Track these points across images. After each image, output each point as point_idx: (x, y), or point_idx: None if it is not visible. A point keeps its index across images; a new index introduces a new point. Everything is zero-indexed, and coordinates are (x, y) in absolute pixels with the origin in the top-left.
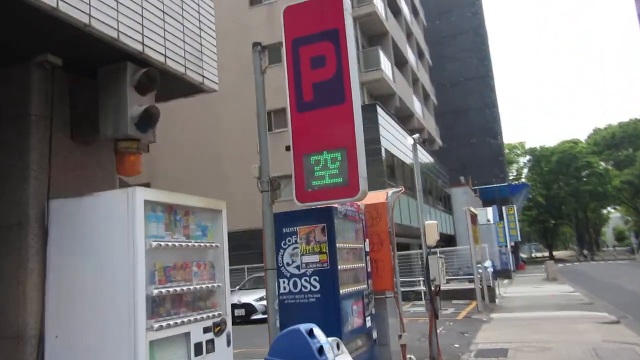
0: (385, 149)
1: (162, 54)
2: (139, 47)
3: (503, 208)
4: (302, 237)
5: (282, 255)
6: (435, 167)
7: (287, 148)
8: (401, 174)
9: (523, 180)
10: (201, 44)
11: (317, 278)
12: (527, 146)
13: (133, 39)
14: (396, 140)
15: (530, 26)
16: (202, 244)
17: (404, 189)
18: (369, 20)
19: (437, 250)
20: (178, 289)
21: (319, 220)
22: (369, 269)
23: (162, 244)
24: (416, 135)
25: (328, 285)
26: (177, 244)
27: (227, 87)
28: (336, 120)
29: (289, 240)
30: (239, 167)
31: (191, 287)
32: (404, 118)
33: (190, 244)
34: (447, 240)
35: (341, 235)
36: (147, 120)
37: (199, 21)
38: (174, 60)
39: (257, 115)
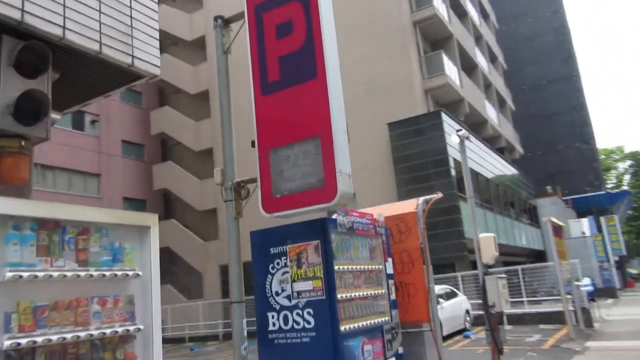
0: (454, 159)
1: (59, 25)
2: (16, 15)
3: (602, 219)
4: (292, 258)
5: (271, 282)
6: (516, 177)
7: (253, 144)
8: (475, 185)
9: (625, 187)
10: (131, 17)
11: (310, 311)
12: (627, 150)
13: (8, 4)
14: (468, 150)
15: (622, 16)
16: (109, 273)
17: (440, 196)
18: (430, 24)
19: (502, 268)
20: (56, 337)
21: (310, 236)
22: (392, 296)
23: (25, 274)
24: (462, 132)
25: (324, 320)
26: (58, 273)
27: None
28: (307, 101)
29: (278, 263)
30: None
31: (87, 334)
32: (476, 125)
33: (84, 273)
34: (537, 255)
35: (345, 254)
36: (32, 109)
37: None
38: (79, 34)
39: (220, 104)
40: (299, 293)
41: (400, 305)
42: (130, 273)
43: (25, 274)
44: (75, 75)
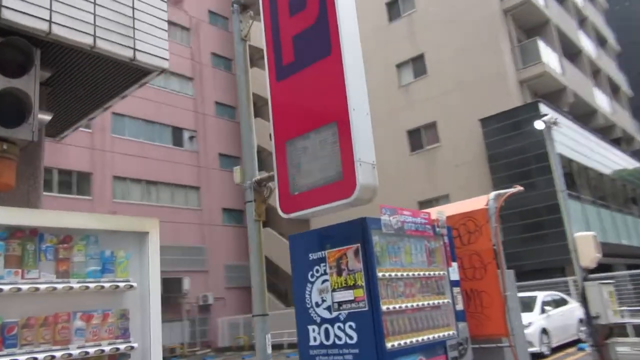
0: (559, 153)
1: (44, 19)
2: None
3: None
4: (332, 265)
5: (310, 291)
6: (638, 170)
7: (270, 136)
8: (586, 181)
9: None
10: (133, 7)
11: (353, 324)
12: None
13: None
14: (573, 142)
15: None
16: (94, 285)
17: (519, 189)
18: (523, 10)
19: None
20: (25, 357)
21: (350, 238)
22: (459, 306)
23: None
24: (548, 116)
25: (367, 335)
26: (29, 286)
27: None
28: (322, 81)
29: (317, 271)
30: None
31: (64, 354)
32: (584, 115)
33: (62, 286)
34: None
35: (393, 259)
36: (14, 110)
37: None
38: (69, 28)
39: (238, 98)
40: (339, 304)
41: (472, 316)
42: (121, 284)
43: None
44: (74, 73)
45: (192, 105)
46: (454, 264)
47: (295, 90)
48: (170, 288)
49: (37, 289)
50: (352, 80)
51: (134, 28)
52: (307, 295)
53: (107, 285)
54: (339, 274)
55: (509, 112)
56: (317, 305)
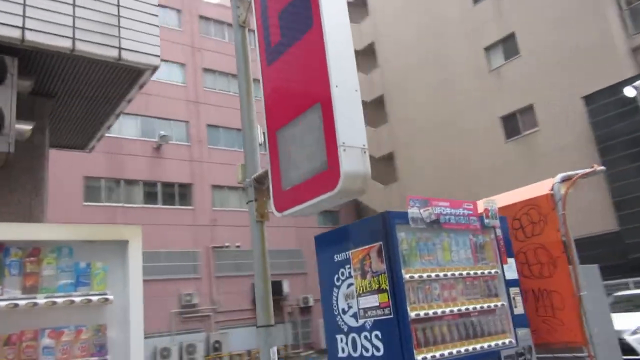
0: None
1: (16, 27)
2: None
3: None
4: (356, 266)
5: (337, 297)
6: None
7: (263, 132)
8: None
9: None
10: (118, 5)
11: (379, 334)
12: None
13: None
14: None
15: None
16: (62, 300)
17: (597, 169)
18: None
19: None
20: None
21: (373, 236)
22: (517, 309)
23: None
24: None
25: (393, 347)
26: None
27: (465, 95)
28: (306, 59)
29: (342, 274)
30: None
31: None
32: None
33: (25, 302)
34: None
35: (425, 257)
36: None
37: None
38: (44, 33)
39: (238, 88)
40: (365, 311)
41: (542, 321)
42: (94, 298)
43: None
44: (66, 80)
45: None
46: (511, 260)
47: (283, 73)
48: (272, 291)
49: (11, 306)
50: (334, 52)
51: (118, 26)
52: (334, 301)
53: (77, 299)
54: (364, 276)
55: (617, 85)
56: (344, 312)
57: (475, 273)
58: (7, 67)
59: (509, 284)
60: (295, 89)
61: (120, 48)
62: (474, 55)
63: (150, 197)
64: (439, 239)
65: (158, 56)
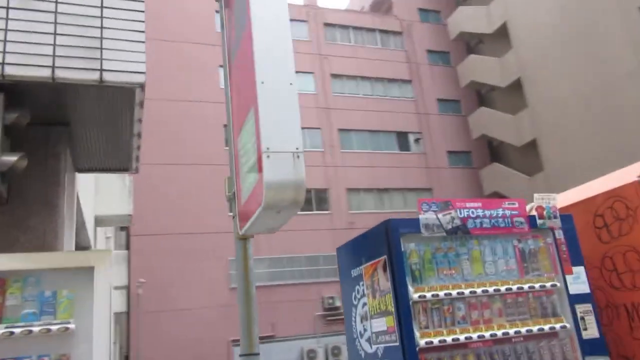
0: None
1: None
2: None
3: None
4: (367, 283)
5: (355, 318)
6: None
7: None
8: None
9: None
10: (101, 27)
11: None
12: None
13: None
14: None
15: None
16: (19, 330)
17: None
18: None
19: None
20: None
21: (378, 248)
22: (587, 332)
23: None
24: None
25: None
26: None
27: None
28: (243, 60)
29: (358, 291)
30: None
31: None
32: None
33: None
34: None
35: (446, 271)
36: None
37: None
38: (23, 65)
39: (224, 89)
40: (377, 335)
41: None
42: (54, 327)
43: None
44: (67, 108)
45: (414, 107)
46: (579, 270)
47: (236, 72)
48: None
49: None
50: (260, 43)
51: (101, 48)
52: (353, 322)
53: (36, 329)
54: (374, 295)
55: None
56: (361, 335)
57: (521, 288)
58: None
59: (575, 299)
60: (243, 92)
61: (101, 70)
62: (628, 20)
63: None
64: (466, 248)
65: (143, 73)
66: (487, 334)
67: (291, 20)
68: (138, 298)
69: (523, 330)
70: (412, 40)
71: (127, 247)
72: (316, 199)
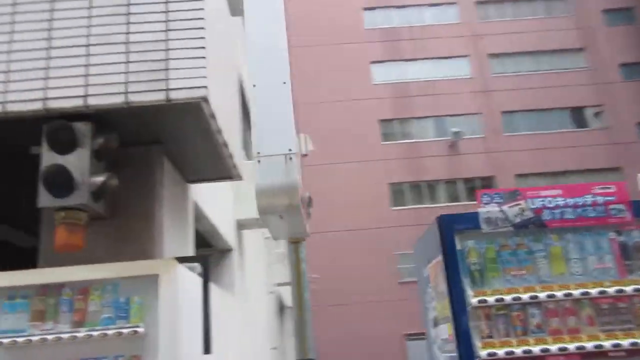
0: None
1: (78, 96)
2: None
3: None
4: (432, 285)
5: (428, 322)
6: None
7: None
8: None
9: None
10: (167, 50)
11: None
12: None
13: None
14: None
15: None
16: (97, 333)
17: None
18: None
19: None
20: None
21: (434, 248)
22: None
23: (6, 340)
24: None
25: None
26: (38, 338)
27: None
28: None
29: (428, 293)
30: None
31: None
32: None
33: (67, 335)
34: None
35: (516, 271)
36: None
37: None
38: (103, 95)
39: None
40: (443, 343)
41: None
42: (125, 331)
43: (5, 340)
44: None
45: (589, 78)
46: None
47: None
48: None
49: (44, 340)
50: (254, 44)
51: (166, 69)
52: (427, 326)
53: (110, 332)
54: (438, 299)
55: None
56: (434, 342)
57: (621, 290)
58: (75, 135)
59: None
60: None
61: (167, 90)
62: None
63: (452, 195)
64: (542, 245)
65: (204, 87)
66: (571, 346)
67: (438, 4)
68: (312, 293)
69: (625, 343)
70: (582, 2)
71: None
72: (482, 187)
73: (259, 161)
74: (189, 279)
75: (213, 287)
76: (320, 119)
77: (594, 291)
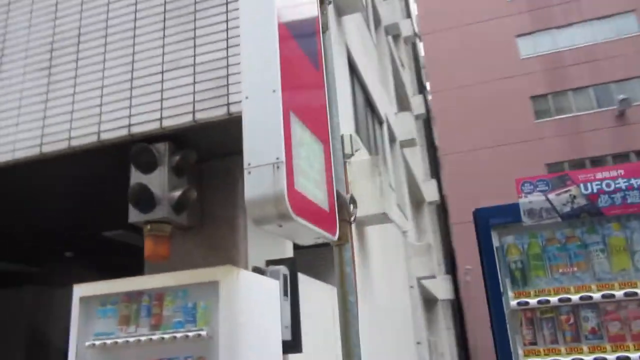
0: None
1: (154, 120)
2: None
3: None
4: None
5: None
6: None
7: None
8: None
9: None
10: (227, 65)
11: None
12: None
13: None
14: None
15: None
16: (168, 336)
17: None
18: None
19: None
20: None
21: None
22: None
23: (98, 342)
24: None
25: None
26: (130, 339)
27: None
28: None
29: None
30: None
31: None
32: None
33: (144, 338)
34: None
35: (565, 269)
36: (146, 198)
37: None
38: (174, 116)
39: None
40: None
41: None
42: (190, 334)
43: (97, 342)
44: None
45: None
46: None
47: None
48: None
49: (127, 342)
50: (245, 54)
51: (227, 85)
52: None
53: (178, 335)
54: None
55: None
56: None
57: None
58: (155, 156)
59: None
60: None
61: (228, 104)
62: None
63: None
64: (599, 236)
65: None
66: (634, 356)
67: None
68: (466, 285)
69: None
70: None
71: (446, 234)
72: None
73: (249, 173)
74: (257, 282)
75: (313, 286)
76: (466, 103)
77: None
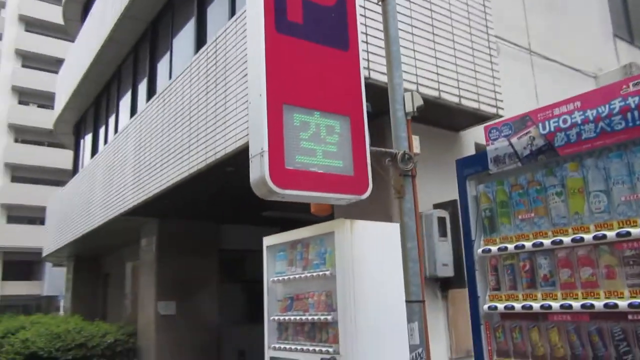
0: None
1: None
2: (435, 94)
3: None
4: None
5: None
6: None
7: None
8: None
9: None
10: (475, 78)
11: None
12: None
13: (431, 87)
14: None
15: None
16: (314, 274)
17: None
18: None
19: None
20: (293, 318)
21: None
22: None
23: (278, 278)
24: None
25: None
26: (292, 277)
27: None
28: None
29: None
30: None
31: (305, 318)
32: None
33: (302, 275)
34: None
35: (528, 214)
36: None
37: (473, 56)
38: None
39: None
40: None
41: None
42: (321, 273)
43: (276, 279)
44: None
45: None
46: None
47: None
48: None
49: (296, 278)
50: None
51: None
52: None
53: (315, 274)
54: None
55: None
56: None
57: None
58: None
59: None
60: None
61: (479, 102)
62: None
63: None
64: (557, 179)
65: (498, 107)
66: (576, 304)
67: None
68: None
69: None
70: None
71: None
72: None
73: (251, 162)
74: (373, 229)
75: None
76: None
77: (612, 234)
